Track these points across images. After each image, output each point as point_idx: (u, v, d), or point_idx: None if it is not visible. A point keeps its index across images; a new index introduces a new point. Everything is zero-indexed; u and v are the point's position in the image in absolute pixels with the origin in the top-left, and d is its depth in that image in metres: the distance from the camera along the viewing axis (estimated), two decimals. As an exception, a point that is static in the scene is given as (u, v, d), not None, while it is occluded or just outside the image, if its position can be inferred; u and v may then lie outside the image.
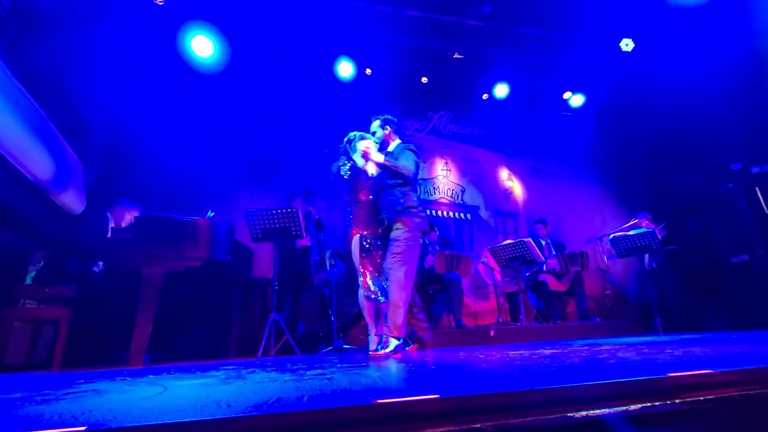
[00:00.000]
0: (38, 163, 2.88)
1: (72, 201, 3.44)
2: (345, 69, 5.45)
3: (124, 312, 2.87)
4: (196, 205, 4.04)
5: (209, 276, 3.43)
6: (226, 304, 3.78)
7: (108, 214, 3.35)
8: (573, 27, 5.35)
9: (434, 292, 4.62)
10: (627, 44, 5.51)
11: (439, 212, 6.07)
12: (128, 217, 3.37)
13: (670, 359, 1.25)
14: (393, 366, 1.58)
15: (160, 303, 2.84)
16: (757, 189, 4.44)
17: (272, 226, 3.56)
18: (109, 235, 3.18)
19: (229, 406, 0.77)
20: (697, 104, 5.10)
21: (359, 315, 4.14)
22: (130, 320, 2.74)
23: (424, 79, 5.98)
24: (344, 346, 3.58)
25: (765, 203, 4.37)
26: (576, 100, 6.31)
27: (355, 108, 5.92)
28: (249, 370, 1.67)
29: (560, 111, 6.54)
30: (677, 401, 0.83)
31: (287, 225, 3.56)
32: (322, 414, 0.67)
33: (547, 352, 1.95)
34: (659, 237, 4.41)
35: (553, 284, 4.89)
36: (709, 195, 4.81)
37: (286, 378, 1.27)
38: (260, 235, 3.59)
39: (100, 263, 3.12)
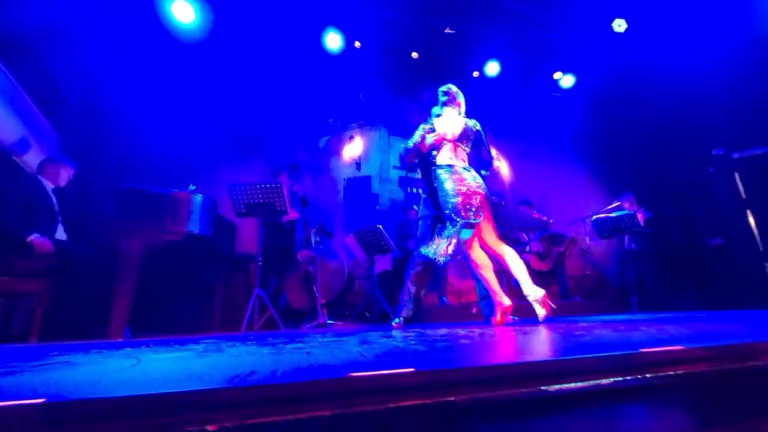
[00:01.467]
0: (5, 129, 2.74)
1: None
2: (333, 41, 5.27)
3: (103, 285, 2.81)
4: (177, 178, 3.92)
5: (191, 251, 3.37)
6: (209, 278, 3.74)
7: (39, 177, 3.09)
8: (565, 3, 5.25)
9: (419, 270, 4.65)
10: (620, 24, 5.44)
11: (427, 191, 6.05)
12: (65, 175, 3.21)
13: (644, 336, 1.28)
14: (373, 341, 1.59)
15: (141, 276, 2.79)
16: (736, 174, 4.54)
17: (256, 201, 3.50)
18: (53, 200, 3.04)
19: (200, 378, 0.75)
20: (684, 90, 5.12)
21: (343, 292, 4.17)
22: (110, 294, 2.69)
23: (415, 55, 5.83)
24: (328, 322, 3.60)
25: (743, 188, 4.47)
26: (566, 80, 6.27)
27: (343, 82, 5.78)
28: (229, 343, 1.66)
29: (550, 92, 6.49)
30: (648, 375, 0.85)
31: (271, 200, 3.50)
32: (295, 387, 0.66)
33: (526, 328, 1.99)
34: (642, 219, 4.50)
35: (536, 264, 4.98)
36: (691, 179, 4.90)
37: (264, 351, 1.26)
38: (244, 210, 3.52)
39: (61, 228, 3.00)
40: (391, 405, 0.70)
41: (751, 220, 4.36)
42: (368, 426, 0.69)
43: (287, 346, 1.44)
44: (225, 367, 0.90)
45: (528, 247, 4.99)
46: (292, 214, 4.03)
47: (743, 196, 4.44)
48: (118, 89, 4.38)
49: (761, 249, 4.26)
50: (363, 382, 0.69)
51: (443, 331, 2.09)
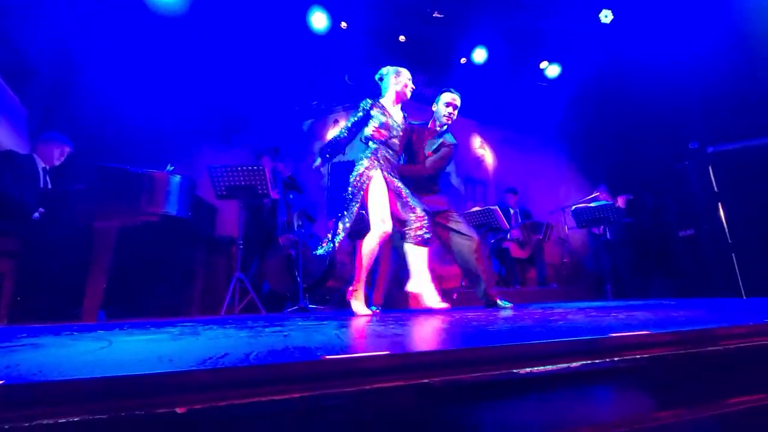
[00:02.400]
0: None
1: (11, 147, 3.16)
2: (319, 20, 5.13)
3: (76, 266, 2.73)
4: (154, 158, 3.80)
5: (169, 232, 3.31)
6: (188, 261, 3.68)
7: (33, 155, 3.06)
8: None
9: (401, 256, 4.69)
10: (606, 15, 5.47)
11: (411, 177, 6.04)
12: (58, 153, 3.14)
13: (614, 322, 1.32)
14: (352, 325, 1.60)
15: (118, 258, 2.72)
16: (709, 168, 4.68)
17: (237, 183, 3.43)
18: (42, 178, 2.96)
19: (171, 360, 0.74)
20: (663, 84, 5.21)
21: (325, 276, 4.17)
22: (84, 275, 2.62)
23: (402, 38, 5.74)
24: (310, 306, 3.60)
25: (715, 182, 4.62)
26: (552, 70, 6.29)
27: (328, 64, 5.65)
28: (206, 327, 1.64)
29: (536, 81, 6.51)
30: (616, 359, 0.88)
31: (253, 183, 3.44)
32: (267, 369, 0.65)
33: (504, 314, 2.03)
34: (623, 201, 4.63)
35: (516, 252, 5.07)
36: (667, 171, 5.04)
37: (242, 334, 1.25)
38: (224, 193, 3.46)
39: (40, 209, 2.90)
40: (366, 387, 0.70)
41: (722, 214, 4.53)
42: (342, 408, 0.69)
43: (266, 329, 1.43)
44: (199, 350, 0.89)
45: (509, 235, 5.07)
46: (274, 194, 3.97)
47: (715, 189, 4.60)
48: (94, 64, 4.18)
49: (730, 241, 4.44)
50: (336, 365, 0.69)
51: (423, 316, 2.11)
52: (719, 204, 4.55)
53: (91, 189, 2.72)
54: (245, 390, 0.61)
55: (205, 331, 1.43)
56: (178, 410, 0.57)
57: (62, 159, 3.18)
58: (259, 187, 3.47)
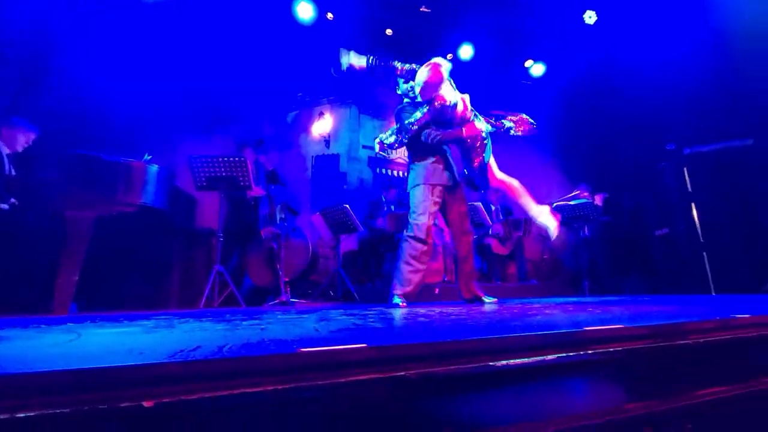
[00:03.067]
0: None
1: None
2: (304, 10, 5.05)
3: (48, 258, 2.63)
4: (132, 146, 3.68)
5: (146, 223, 3.22)
6: (166, 253, 3.59)
7: None
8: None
9: (384, 251, 4.70)
10: (590, 16, 5.55)
11: (396, 172, 6.05)
12: (23, 140, 3.02)
13: (589, 316, 1.35)
14: (333, 318, 1.59)
15: (92, 249, 2.63)
16: (685, 169, 4.83)
17: (218, 174, 3.35)
18: (6, 164, 2.83)
19: (141, 353, 0.71)
20: (643, 86, 5.32)
21: (308, 269, 4.14)
22: (55, 266, 2.53)
23: (389, 31, 5.70)
24: (291, 300, 3.57)
25: (690, 182, 4.78)
26: (537, 69, 6.36)
27: (313, 55, 5.58)
28: (183, 320, 1.60)
29: (521, 79, 6.57)
30: (590, 352, 0.89)
31: (234, 174, 3.37)
32: (240, 362, 0.64)
33: (484, 308, 2.05)
34: (601, 200, 4.74)
35: (497, 248, 5.14)
36: (645, 172, 5.17)
37: (218, 327, 1.22)
38: (204, 184, 3.38)
39: (11, 200, 2.78)
40: (342, 380, 0.70)
41: (695, 213, 4.69)
42: (318, 401, 0.68)
43: (243, 322, 1.41)
44: (171, 343, 0.87)
45: (490, 230, 5.13)
46: (257, 191, 3.91)
47: (689, 189, 4.75)
48: (70, 48, 4.00)
49: (702, 240, 4.61)
50: (312, 357, 0.68)
51: (404, 310, 2.12)
52: (692, 204, 4.71)
53: (64, 178, 2.61)
54: (216, 383, 0.59)
55: (181, 324, 1.40)
56: (145, 404, 0.55)
57: (26, 145, 3.05)
58: (241, 179, 3.40)
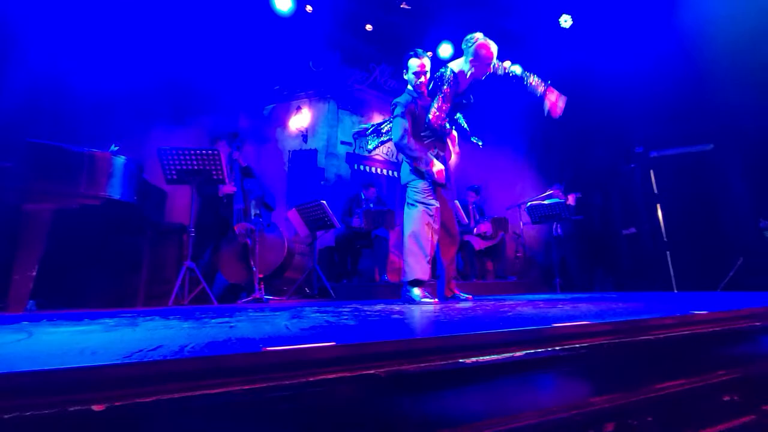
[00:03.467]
0: None
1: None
2: (283, 1, 4.94)
3: (2, 251, 2.48)
4: (98, 135, 3.50)
5: (112, 217, 3.08)
6: (134, 249, 3.45)
7: None
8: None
9: (361, 248, 4.69)
10: (566, 20, 5.68)
11: (374, 169, 6.03)
12: None
13: (558, 312, 1.38)
14: (306, 315, 1.56)
15: (54, 243, 2.50)
16: (651, 171, 5.03)
17: (190, 167, 3.25)
18: None
19: (94, 353, 0.67)
20: (614, 91, 5.49)
21: (283, 266, 4.07)
22: (11, 261, 2.38)
23: (369, 27, 5.66)
24: (266, 297, 3.51)
25: (656, 184, 4.98)
26: (514, 70, 6.46)
27: (292, 48, 5.47)
28: (148, 318, 1.54)
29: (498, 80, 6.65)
30: (557, 348, 0.91)
31: (207, 168, 3.27)
32: (200, 362, 0.61)
33: (458, 306, 2.07)
34: (573, 199, 4.88)
35: (478, 245, 5.21)
36: (615, 173, 5.36)
37: (184, 326, 1.18)
38: (175, 177, 3.26)
39: None
40: (309, 379, 0.68)
41: (660, 214, 4.90)
42: (285, 400, 0.66)
43: (212, 320, 1.37)
44: (130, 342, 0.82)
45: (475, 229, 5.20)
46: (230, 187, 3.81)
47: (655, 191, 4.96)
48: (30, 27, 3.76)
49: (665, 239, 4.82)
50: (278, 357, 0.66)
51: (379, 306, 2.11)
52: (657, 205, 4.92)
53: (21, 167, 2.46)
54: (174, 384, 0.57)
55: (146, 322, 1.34)
56: (95, 408, 0.52)
57: None
58: (214, 173, 3.31)
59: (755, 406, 1.17)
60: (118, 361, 0.58)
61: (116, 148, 3.04)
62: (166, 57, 4.68)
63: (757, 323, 1.34)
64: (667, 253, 4.79)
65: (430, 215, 2.56)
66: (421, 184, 2.65)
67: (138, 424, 0.55)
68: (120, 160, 2.71)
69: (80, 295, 3.26)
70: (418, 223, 2.54)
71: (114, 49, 4.34)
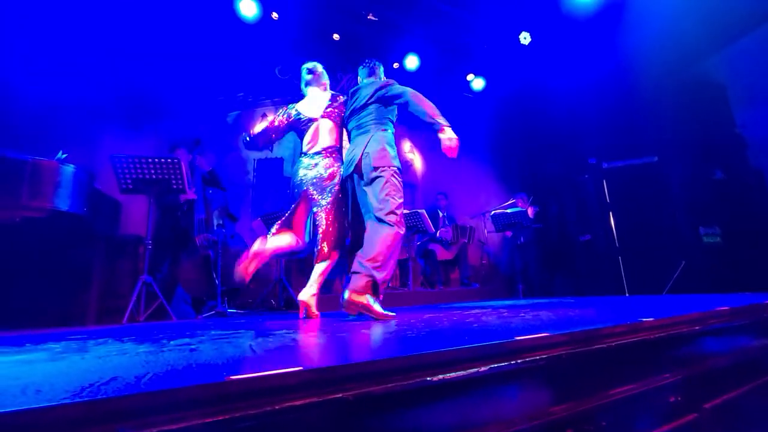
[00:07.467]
0: None
1: None
2: (248, 7, 4.86)
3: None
4: (44, 142, 3.28)
5: (60, 230, 2.88)
6: (85, 263, 3.23)
7: None
8: (482, 9, 5.57)
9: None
10: (525, 37, 5.96)
11: (341, 178, 6.00)
12: None
13: (520, 323, 1.43)
14: (271, 333, 1.53)
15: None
16: (604, 181, 5.34)
17: (147, 176, 3.10)
18: None
19: (38, 391, 0.63)
20: (569, 105, 5.81)
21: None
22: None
23: (336, 36, 5.68)
24: (229, 311, 3.39)
25: (608, 193, 5.29)
26: (477, 83, 6.69)
27: (256, 54, 5.39)
28: (100, 340, 1.45)
29: (463, 92, 6.87)
30: (519, 361, 0.95)
31: (166, 177, 3.14)
32: (159, 396, 0.58)
33: (425, 316, 2.10)
34: (532, 212, 5.08)
35: (442, 254, 5.31)
36: (570, 183, 5.64)
37: (140, 350, 1.12)
38: (131, 186, 3.10)
39: None
40: (276, 407, 0.67)
41: (612, 222, 5.21)
42: (251, 430, 0.65)
43: (171, 342, 1.31)
44: (80, 374, 0.77)
45: (438, 234, 5.29)
46: (190, 194, 3.66)
47: (608, 200, 5.27)
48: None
49: (617, 245, 5.13)
50: (243, 386, 0.64)
51: (346, 320, 2.10)
52: (610, 213, 5.22)
53: (-47, 176, 2.26)
54: (131, 422, 0.54)
55: (97, 346, 1.26)
56: (41, 454, 0.48)
57: None
58: (174, 182, 3.17)
59: (697, 404, 1.27)
60: (68, 401, 0.54)
61: (65, 155, 2.86)
62: (122, 58, 4.47)
63: (697, 327, 1.46)
64: (619, 258, 5.09)
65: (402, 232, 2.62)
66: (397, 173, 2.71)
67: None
68: (69, 168, 2.55)
69: (24, 314, 3.01)
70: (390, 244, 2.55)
71: (64, 50, 4.09)
